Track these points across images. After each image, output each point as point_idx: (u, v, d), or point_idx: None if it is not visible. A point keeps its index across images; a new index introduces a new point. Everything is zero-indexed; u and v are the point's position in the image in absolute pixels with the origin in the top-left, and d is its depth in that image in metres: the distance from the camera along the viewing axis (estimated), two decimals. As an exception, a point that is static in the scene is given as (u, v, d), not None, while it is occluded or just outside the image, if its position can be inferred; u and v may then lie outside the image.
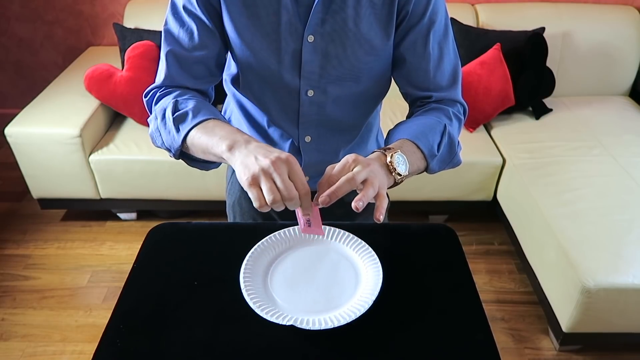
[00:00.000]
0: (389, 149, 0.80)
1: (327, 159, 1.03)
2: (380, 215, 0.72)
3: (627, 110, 2.38)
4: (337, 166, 0.74)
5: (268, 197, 0.67)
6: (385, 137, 0.94)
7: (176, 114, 0.82)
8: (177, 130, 0.81)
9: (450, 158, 0.90)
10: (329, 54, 0.86)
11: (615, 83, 2.49)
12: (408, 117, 0.97)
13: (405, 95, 0.97)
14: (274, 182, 0.67)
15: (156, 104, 0.89)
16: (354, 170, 0.72)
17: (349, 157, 0.74)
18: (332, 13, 0.83)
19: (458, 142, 0.91)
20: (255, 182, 0.68)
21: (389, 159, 0.78)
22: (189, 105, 0.82)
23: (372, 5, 0.83)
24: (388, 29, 0.86)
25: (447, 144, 0.88)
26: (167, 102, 0.85)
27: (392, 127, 0.94)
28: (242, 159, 0.71)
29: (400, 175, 0.78)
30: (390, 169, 0.78)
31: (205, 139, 0.78)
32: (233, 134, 0.76)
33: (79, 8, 2.57)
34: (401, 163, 0.79)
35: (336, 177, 0.72)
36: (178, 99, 0.85)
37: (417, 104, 0.95)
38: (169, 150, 0.85)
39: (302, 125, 0.96)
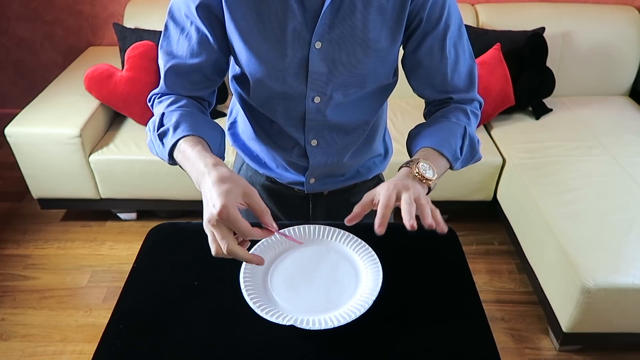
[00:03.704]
0: (412, 161, 0.83)
1: (333, 161, 1.03)
2: (430, 220, 0.76)
3: (627, 110, 2.38)
4: (382, 200, 0.76)
5: (214, 248, 0.72)
6: (406, 138, 0.96)
7: (160, 129, 0.84)
8: (163, 145, 0.84)
9: (472, 156, 0.93)
10: (336, 60, 0.86)
11: (615, 83, 2.49)
12: (425, 114, 1.00)
13: (422, 96, 0.99)
14: (217, 236, 0.71)
15: (154, 110, 0.91)
16: (405, 197, 0.76)
17: (389, 186, 0.77)
18: (340, 19, 0.82)
19: (478, 140, 0.94)
20: (208, 230, 0.72)
21: (415, 170, 0.81)
22: (172, 119, 0.84)
23: (381, 11, 0.83)
24: (396, 34, 0.86)
25: (469, 145, 0.90)
26: (157, 113, 0.87)
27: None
28: (204, 201, 0.74)
29: (430, 180, 0.82)
30: (419, 178, 0.81)
31: (184, 164, 0.81)
32: (194, 164, 0.77)
33: (79, 8, 2.57)
34: (427, 169, 0.82)
35: (384, 209, 0.76)
36: (165, 111, 0.86)
37: (435, 102, 0.97)
38: (164, 160, 0.87)
39: (308, 130, 0.96)
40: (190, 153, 0.79)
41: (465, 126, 0.90)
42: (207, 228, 0.71)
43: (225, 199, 0.69)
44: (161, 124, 0.85)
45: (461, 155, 0.89)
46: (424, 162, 0.82)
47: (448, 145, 0.87)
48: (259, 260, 0.75)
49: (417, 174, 0.81)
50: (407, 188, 0.77)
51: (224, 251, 0.70)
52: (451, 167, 0.90)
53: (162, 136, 0.84)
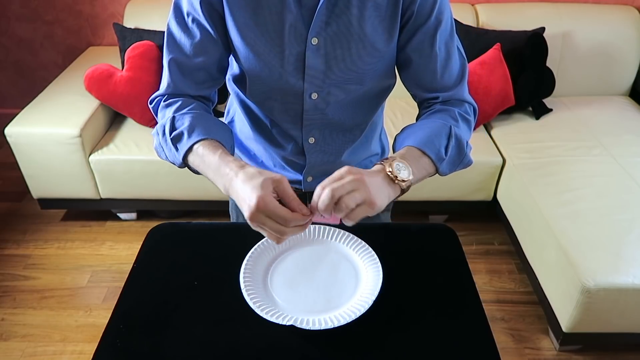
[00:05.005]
0: (388, 158, 0.80)
1: (330, 159, 1.03)
2: (349, 221, 0.74)
3: (627, 110, 2.38)
4: (326, 180, 0.74)
5: (272, 240, 0.75)
6: (392, 142, 0.94)
7: (173, 133, 0.84)
8: (176, 149, 0.84)
9: (459, 159, 0.89)
10: (333, 57, 0.86)
11: (615, 83, 2.49)
12: (417, 119, 0.97)
13: (414, 97, 0.97)
14: (267, 229, 0.72)
15: (160, 113, 0.91)
16: (339, 182, 0.72)
17: (341, 170, 0.74)
18: (336, 15, 0.82)
19: (467, 142, 0.90)
20: (257, 228, 0.74)
21: (388, 168, 0.78)
22: (185, 123, 0.84)
23: (376, 7, 0.83)
24: (392, 30, 0.86)
25: (455, 146, 0.86)
26: (167, 117, 0.87)
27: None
28: (238, 204, 0.75)
29: (404, 180, 0.78)
30: (391, 178, 0.77)
31: (203, 168, 0.82)
32: (219, 170, 0.78)
33: (79, 8, 2.57)
34: (402, 169, 0.78)
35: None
36: (176, 114, 0.86)
37: (424, 105, 0.95)
38: (173, 163, 0.88)
39: (306, 128, 0.96)
40: (212, 159, 0.80)
41: (451, 126, 0.87)
42: (255, 224, 0.72)
43: (258, 191, 0.70)
44: (173, 128, 0.85)
45: (446, 155, 0.85)
46: (400, 161, 0.79)
47: (431, 144, 0.84)
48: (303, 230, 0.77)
49: (389, 173, 0.77)
50: (358, 175, 0.73)
51: (284, 238, 0.73)
52: (438, 171, 0.86)
53: (175, 140, 0.84)
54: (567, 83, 2.45)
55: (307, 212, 0.74)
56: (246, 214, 0.71)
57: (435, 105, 0.92)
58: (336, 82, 0.89)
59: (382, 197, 0.75)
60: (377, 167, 0.79)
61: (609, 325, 1.62)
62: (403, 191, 0.80)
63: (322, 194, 0.72)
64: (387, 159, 0.80)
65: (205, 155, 0.81)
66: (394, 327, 0.80)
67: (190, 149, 0.83)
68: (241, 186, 0.73)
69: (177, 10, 0.86)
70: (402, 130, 0.92)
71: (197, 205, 2.26)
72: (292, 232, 0.73)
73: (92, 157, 2.09)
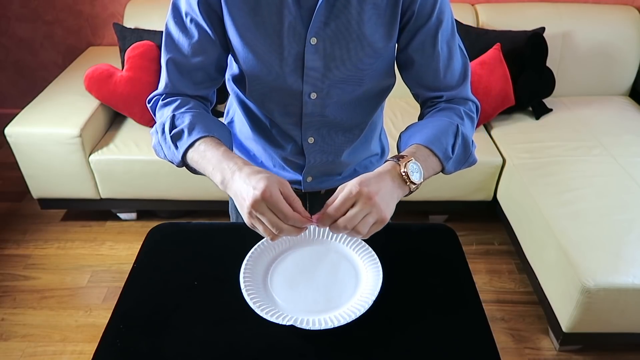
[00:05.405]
0: (403, 157, 0.79)
1: (330, 159, 1.03)
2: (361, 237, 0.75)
3: (627, 110, 2.38)
4: (337, 202, 0.74)
5: (266, 237, 0.74)
6: (392, 142, 0.94)
7: (173, 131, 0.84)
8: (176, 147, 0.84)
9: (465, 158, 0.89)
10: (332, 57, 0.86)
11: (615, 83, 2.49)
12: (420, 118, 0.97)
13: (416, 96, 0.97)
14: (264, 223, 0.72)
15: (158, 112, 0.91)
16: (352, 213, 0.73)
17: (351, 189, 0.73)
18: (335, 15, 0.82)
19: (472, 141, 0.90)
20: (252, 225, 0.74)
21: (403, 169, 0.77)
22: (185, 121, 0.84)
23: (375, 7, 0.83)
24: (391, 30, 0.86)
25: (461, 144, 0.86)
26: (166, 115, 0.87)
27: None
28: (235, 199, 0.75)
29: (415, 184, 0.78)
30: (404, 179, 0.77)
31: (202, 164, 0.82)
32: (221, 164, 0.78)
33: (79, 8, 2.57)
34: (415, 171, 0.78)
35: (336, 214, 0.74)
36: (175, 113, 0.86)
37: (427, 104, 0.95)
38: (171, 162, 0.88)
39: (305, 127, 0.96)
40: (214, 154, 0.80)
41: (458, 124, 0.87)
42: (254, 215, 0.72)
43: (266, 181, 0.71)
44: (173, 126, 0.85)
45: (453, 154, 0.85)
46: (415, 162, 0.79)
47: (439, 143, 0.84)
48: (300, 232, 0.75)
49: (403, 173, 0.77)
50: (369, 199, 0.72)
51: (279, 235, 0.73)
52: (443, 170, 0.86)
53: (175, 138, 0.84)
54: (567, 83, 2.45)
55: (307, 216, 0.74)
56: (249, 201, 0.70)
57: (440, 104, 0.92)
58: (335, 82, 0.89)
59: (392, 207, 0.76)
60: (389, 164, 0.79)
61: (609, 325, 1.62)
62: (410, 192, 0.80)
63: (334, 223, 0.73)
64: (402, 157, 0.79)
65: (206, 151, 0.81)
66: (394, 327, 0.80)
67: (191, 146, 0.83)
68: (245, 178, 0.73)
69: (176, 11, 0.86)
70: (408, 128, 0.92)
71: (197, 205, 2.26)
72: (288, 230, 0.72)
73: (92, 157, 2.09)
